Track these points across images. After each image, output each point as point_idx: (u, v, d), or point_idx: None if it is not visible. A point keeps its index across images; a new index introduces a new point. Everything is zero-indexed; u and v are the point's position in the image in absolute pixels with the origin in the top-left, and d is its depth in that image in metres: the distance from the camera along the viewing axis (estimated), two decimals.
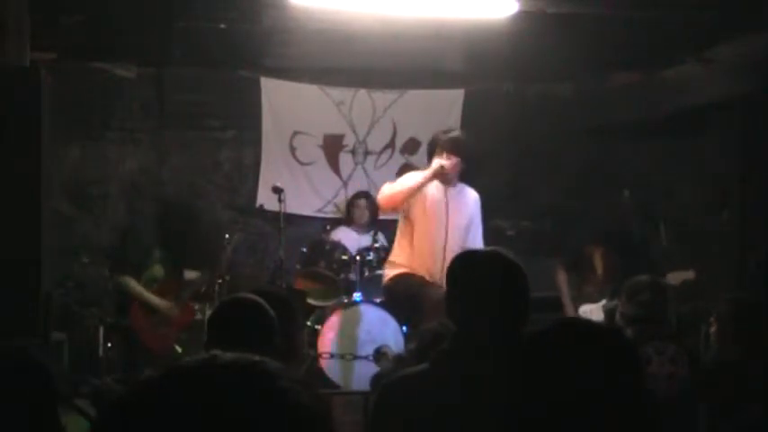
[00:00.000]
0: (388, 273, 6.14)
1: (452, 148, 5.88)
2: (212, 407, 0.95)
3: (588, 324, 1.94)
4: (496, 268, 2.65)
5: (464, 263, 2.76)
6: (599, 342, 1.79)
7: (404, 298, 6.01)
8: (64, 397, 5.17)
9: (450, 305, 2.69)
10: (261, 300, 3.08)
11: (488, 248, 2.77)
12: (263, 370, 0.99)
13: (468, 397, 2.38)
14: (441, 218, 5.95)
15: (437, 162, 5.87)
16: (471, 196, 6.17)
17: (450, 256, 5.92)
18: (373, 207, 7.39)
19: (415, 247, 5.96)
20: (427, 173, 5.91)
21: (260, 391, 0.97)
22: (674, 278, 6.64)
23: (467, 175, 6.22)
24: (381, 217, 7.25)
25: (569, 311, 6.91)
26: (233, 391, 0.96)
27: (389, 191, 6.05)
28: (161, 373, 0.99)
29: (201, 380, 0.98)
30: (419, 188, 5.92)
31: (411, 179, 6.03)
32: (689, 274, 6.62)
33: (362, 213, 7.51)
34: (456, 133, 6.07)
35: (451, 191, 6.04)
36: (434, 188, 5.99)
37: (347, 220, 7.66)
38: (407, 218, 6.02)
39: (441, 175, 5.91)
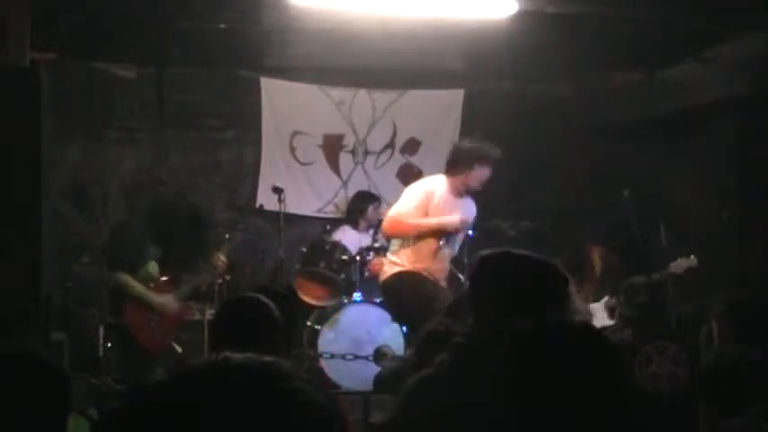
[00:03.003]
0: (387, 270, 6.16)
1: (493, 162, 5.98)
2: (226, 408, 0.95)
3: (570, 324, 1.94)
4: (527, 269, 2.66)
5: (495, 264, 2.75)
6: (583, 342, 1.79)
7: (408, 295, 6.02)
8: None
9: (476, 305, 2.70)
10: (265, 298, 3.09)
11: (514, 250, 2.77)
12: (276, 371, 0.99)
13: (467, 397, 2.38)
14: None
15: (456, 219, 5.97)
16: (472, 207, 6.32)
17: (449, 258, 6.02)
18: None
19: (421, 249, 6.00)
20: (444, 221, 6.00)
21: (273, 391, 0.97)
22: (678, 266, 6.65)
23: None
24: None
25: (581, 313, 6.94)
26: (246, 393, 0.96)
27: (398, 224, 6.14)
28: (173, 375, 0.99)
29: (215, 382, 0.98)
30: (425, 229, 6.02)
31: (419, 219, 6.07)
32: (692, 262, 6.63)
33: (372, 217, 7.46)
34: (476, 143, 6.13)
35: (458, 199, 6.11)
36: (445, 192, 6.06)
37: (351, 221, 7.61)
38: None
39: (456, 228, 6.00)
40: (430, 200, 6.05)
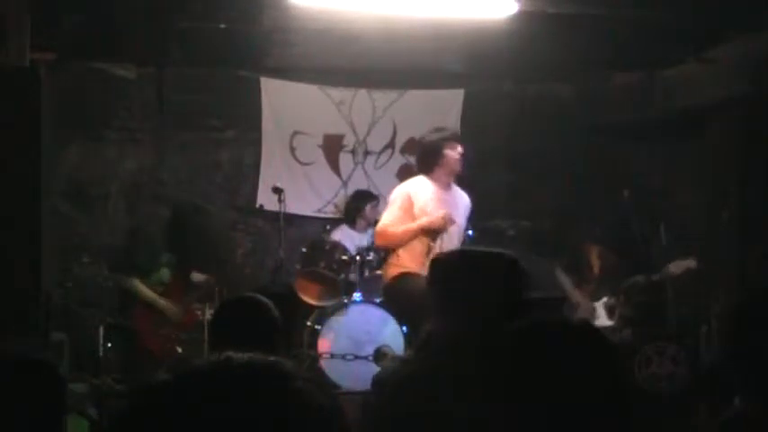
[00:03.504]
0: (390, 273, 6.15)
1: (459, 138, 5.97)
2: (228, 408, 0.95)
3: (567, 323, 1.94)
4: (488, 268, 2.67)
5: (451, 263, 2.77)
6: (579, 341, 1.79)
7: (407, 297, 6.00)
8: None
9: (439, 304, 2.71)
10: (263, 299, 3.09)
11: (471, 249, 2.79)
12: (278, 370, 0.99)
13: (462, 397, 2.39)
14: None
15: (439, 216, 5.89)
16: (465, 199, 6.25)
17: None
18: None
19: (415, 248, 5.97)
20: (426, 223, 5.94)
21: (276, 392, 0.97)
22: (677, 267, 6.66)
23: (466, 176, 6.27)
24: None
25: (581, 312, 6.95)
26: (249, 392, 0.96)
27: (385, 236, 6.10)
28: (175, 374, 0.99)
29: (217, 381, 0.98)
30: (415, 235, 5.97)
31: (405, 225, 6.02)
32: (690, 263, 6.64)
33: (369, 217, 7.46)
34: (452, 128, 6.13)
35: (447, 193, 6.05)
36: (431, 190, 6.01)
37: (350, 220, 7.61)
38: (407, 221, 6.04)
39: (440, 226, 5.93)
40: (414, 201, 6.01)
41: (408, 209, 6.02)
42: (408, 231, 5.99)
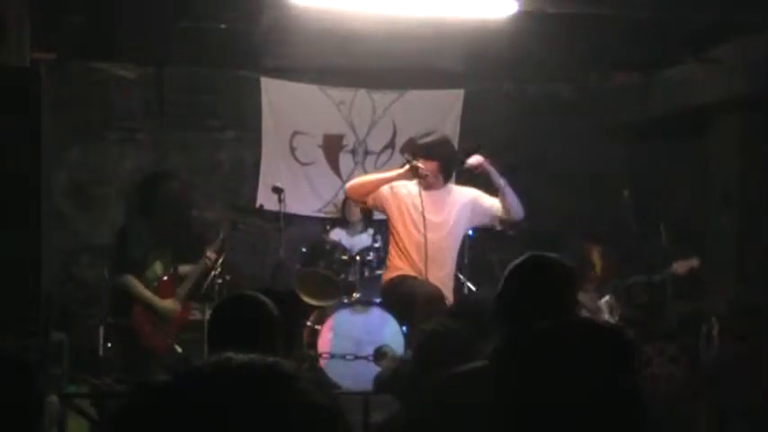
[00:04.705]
0: (384, 277, 6.15)
1: (425, 153, 5.87)
2: (229, 409, 0.95)
3: (588, 323, 1.94)
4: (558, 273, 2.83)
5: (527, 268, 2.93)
6: (598, 341, 1.79)
7: (398, 299, 6.00)
8: (64, 397, 5.18)
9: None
10: (263, 297, 3.08)
11: (547, 256, 2.96)
12: (279, 371, 0.99)
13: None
14: (418, 219, 5.87)
15: (412, 162, 5.89)
16: (457, 193, 6.06)
17: (435, 255, 5.88)
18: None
19: (403, 250, 5.96)
20: (400, 171, 5.95)
21: (276, 392, 0.97)
22: (681, 267, 6.66)
23: (460, 174, 6.23)
24: (376, 217, 7.20)
25: (585, 312, 6.94)
26: (249, 393, 0.96)
27: (356, 180, 6.21)
28: (175, 375, 0.99)
29: (217, 382, 0.97)
30: (386, 182, 5.94)
31: (383, 173, 6.15)
32: (693, 262, 6.65)
33: (354, 211, 7.45)
34: (429, 138, 5.98)
35: (430, 193, 5.92)
36: (411, 191, 5.94)
37: (341, 221, 7.63)
38: (391, 223, 6.02)
39: (418, 175, 5.87)
40: (392, 189, 5.96)
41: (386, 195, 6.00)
42: (376, 178, 6.05)
